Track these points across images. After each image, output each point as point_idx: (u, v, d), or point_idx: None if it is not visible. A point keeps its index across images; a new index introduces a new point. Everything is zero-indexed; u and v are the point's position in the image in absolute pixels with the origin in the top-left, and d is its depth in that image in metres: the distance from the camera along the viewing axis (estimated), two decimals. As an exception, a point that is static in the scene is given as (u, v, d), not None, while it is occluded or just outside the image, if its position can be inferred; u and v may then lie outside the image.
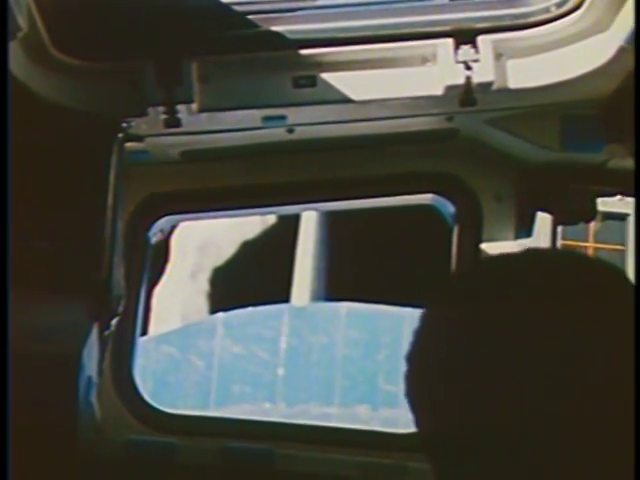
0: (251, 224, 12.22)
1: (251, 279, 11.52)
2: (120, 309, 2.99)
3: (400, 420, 9.24)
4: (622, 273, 1.52)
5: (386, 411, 9.92)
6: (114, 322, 2.96)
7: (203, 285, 12.27)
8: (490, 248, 3.25)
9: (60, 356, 2.59)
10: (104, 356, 3.03)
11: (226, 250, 12.33)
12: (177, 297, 12.07)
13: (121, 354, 3.28)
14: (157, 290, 11.74)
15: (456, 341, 1.46)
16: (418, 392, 1.53)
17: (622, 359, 1.40)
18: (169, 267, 12.15)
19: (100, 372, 2.95)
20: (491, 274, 1.51)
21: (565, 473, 1.41)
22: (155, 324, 11.35)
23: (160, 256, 11.10)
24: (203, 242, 12.27)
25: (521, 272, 1.48)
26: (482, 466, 1.44)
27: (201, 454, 3.25)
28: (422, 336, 1.53)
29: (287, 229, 11.81)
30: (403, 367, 1.55)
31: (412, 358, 1.53)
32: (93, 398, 2.78)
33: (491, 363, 1.42)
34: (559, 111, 3.03)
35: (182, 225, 11.79)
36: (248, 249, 12.27)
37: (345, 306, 10.66)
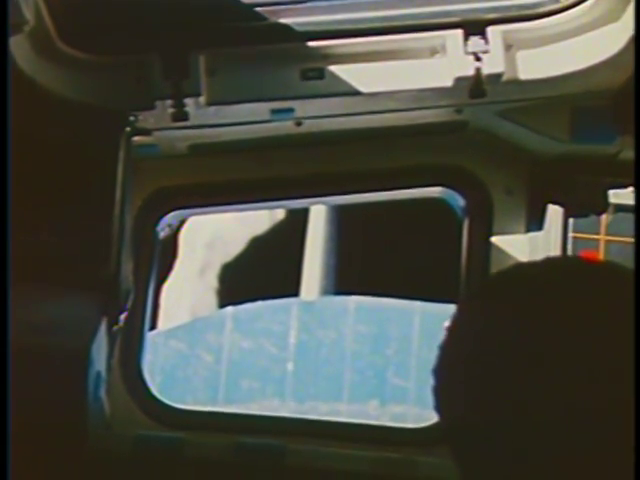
0: (259, 220, 12.22)
1: (260, 275, 11.52)
2: (129, 304, 2.98)
3: (409, 415, 9.23)
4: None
5: (396, 407, 9.92)
6: (123, 317, 2.95)
7: (212, 281, 12.27)
8: (501, 241, 3.23)
9: (69, 351, 2.58)
10: (113, 351, 3.02)
11: (234, 246, 12.33)
12: (186, 294, 12.08)
13: (130, 349, 3.27)
14: (165, 287, 11.75)
15: (489, 337, 1.50)
16: (448, 385, 1.54)
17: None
18: (177, 264, 12.16)
19: (109, 367, 2.94)
20: (526, 277, 1.56)
21: (590, 467, 1.44)
22: (164, 321, 11.36)
23: (168, 253, 11.11)
24: (211, 238, 12.27)
25: (552, 278, 1.53)
26: (505, 458, 1.47)
27: (211, 449, 3.24)
28: (456, 330, 1.56)
29: (295, 224, 11.81)
30: (432, 359, 1.57)
31: (444, 351, 1.55)
32: (102, 393, 2.77)
33: (520, 359, 1.46)
34: (570, 102, 3.02)
35: (190, 221, 11.79)
36: (256, 245, 12.27)
37: (354, 300, 10.65)
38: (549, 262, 1.67)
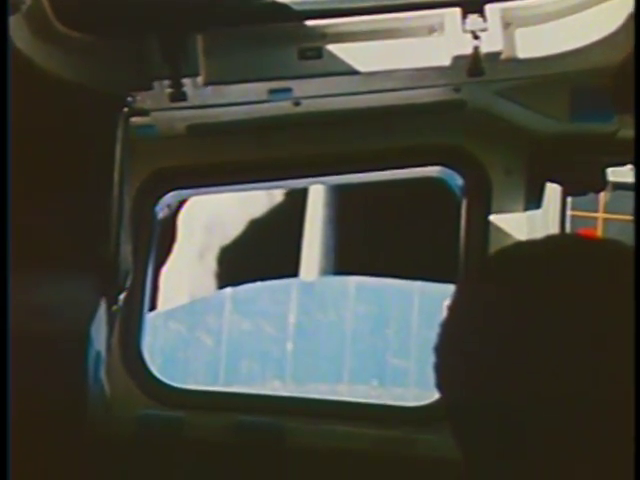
0: (257, 201, 12.20)
1: (259, 257, 11.52)
2: (128, 284, 2.98)
3: (409, 397, 9.25)
4: None
5: (396, 388, 9.93)
6: (122, 298, 2.95)
7: (211, 264, 12.26)
8: (499, 220, 3.23)
9: (68, 332, 2.58)
10: (112, 332, 3.02)
11: (233, 228, 12.31)
12: (185, 277, 12.07)
13: (129, 330, 3.28)
14: (165, 271, 11.74)
15: (489, 315, 1.50)
16: (448, 363, 1.55)
17: None
18: (176, 247, 12.14)
19: (109, 348, 2.95)
20: (525, 255, 1.56)
21: (588, 451, 1.45)
22: (163, 305, 11.36)
23: (167, 236, 11.10)
24: (210, 221, 12.25)
25: (552, 256, 1.53)
26: (506, 437, 1.47)
27: (211, 429, 3.25)
28: (457, 309, 1.57)
29: (294, 206, 11.80)
30: (431, 339, 1.58)
31: (445, 329, 1.56)
32: (102, 374, 2.77)
33: (521, 338, 1.46)
34: (568, 81, 3.01)
35: (188, 204, 11.78)
36: (255, 227, 12.26)
37: (354, 280, 10.66)
38: (549, 240, 1.67)
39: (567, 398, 1.43)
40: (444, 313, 1.56)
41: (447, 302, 1.57)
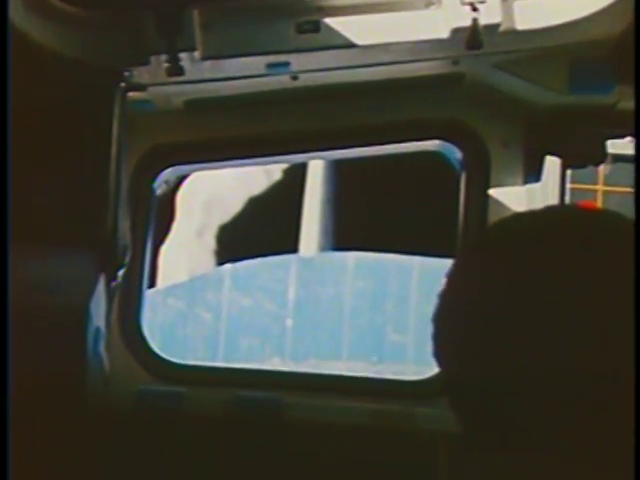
0: (256, 179, 12.18)
1: (258, 235, 11.52)
2: (127, 260, 2.98)
3: (408, 372, 9.26)
4: None
5: (395, 364, 9.95)
6: (121, 274, 2.94)
7: (210, 243, 12.26)
8: (498, 194, 3.22)
9: (67, 308, 2.58)
10: (112, 308, 3.02)
11: (232, 207, 12.30)
12: (183, 256, 12.07)
13: (129, 306, 3.27)
14: (163, 249, 11.74)
15: (488, 287, 1.49)
16: (446, 334, 1.55)
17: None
18: (175, 226, 12.13)
19: (108, 324, 2.94)
20: (524, 227, 1.55)
21: (588, 421, 1.44)
22: (162, 283, 11.36)
23: (165, 214, 11.09)
24: (208, 199, 12.24)
25: (551, 227, 1.52)
26: (504, 410, 1.47)
27: (210, 404, 3.25)
28: (455, 280, 1.56)
29: (293, 184, 11.78)
30: (430, 313, 1.57)
31: (443, 300, 1.55)
32: (102, 350, 2.77)
33: (520, 311, 1.46)
34: (568, 53, 2.99)
35: (186, 182, 11.77)
36: (254, 205, 12.25)
37: (353, 256, 10.66)
38: (547, 211, 1.65)
39: (565, 370, 1.43)
40: (442, 284, 1.56)
41: (446, 274, 1.57)
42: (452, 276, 1.56)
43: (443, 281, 1.56)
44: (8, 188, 2.35)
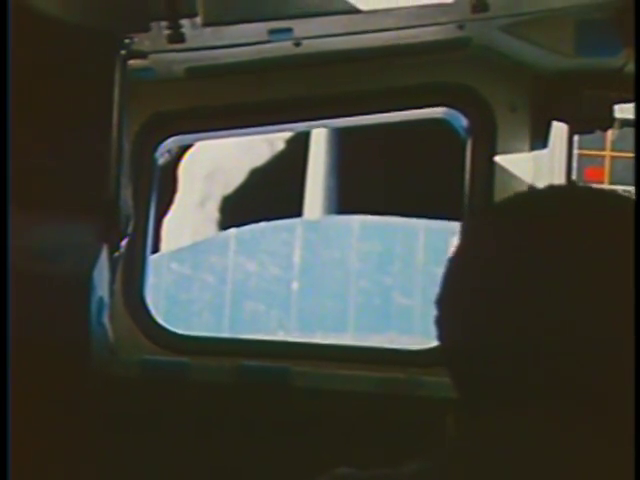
0: (259, 149, 12.14)
1: (261, 206, 11.49)
2: (129, 229, 2.96)
3: (415, 340, 9.29)
4: None
5: (403, 337, 9.94)
6: (124, 243, 2.93)
7: (212, 213, 12.24)
8: (505, 160, 3.20)
9: (70, 277, 2.57)
10: (115, 277, 3.01)
11: (234, 177, 12.26)
12: (186, 226, 12.05)
13: (132, 275, 3.26)
14: (166, 220, 11.72)
15: (493, 266, 1.49)
16: (451, 314, 1.55)
17: None
18: (177, 197, 12.11)
19: (111, 293, 2.93)
20: (530, 205, 1.55)
21: (591, 393, 1.45)
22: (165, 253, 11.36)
23: (168, 185, 11.07)
24: (211, 170, 12.20)
25: (557, 206, 1.53)
26: (504, 380, 1.48)
27: (216, 373, 3.25)
28: (459, 261, 1.56)
29: (296, 153, 11.73)
30: (437, 275, 1.57)
31: (447, 282, 1.56)
32: (105, 319, 2.77)
33: (525, 282, 1.46)
34: (574, 15, 2.95)
35: (189, 153, 11.73)
36: (257, 175, 12.21)
37: (358, 219, 10.65)
38: (554, 189, 1.66)
39: (570, 346, 1.43)
40: (445, 266, 1.55)
41: (449, 254, 1.56)
42: (455, 258, 1.56)
43: (446, 263, 1.56)
44: (8, 155, 2.33)
